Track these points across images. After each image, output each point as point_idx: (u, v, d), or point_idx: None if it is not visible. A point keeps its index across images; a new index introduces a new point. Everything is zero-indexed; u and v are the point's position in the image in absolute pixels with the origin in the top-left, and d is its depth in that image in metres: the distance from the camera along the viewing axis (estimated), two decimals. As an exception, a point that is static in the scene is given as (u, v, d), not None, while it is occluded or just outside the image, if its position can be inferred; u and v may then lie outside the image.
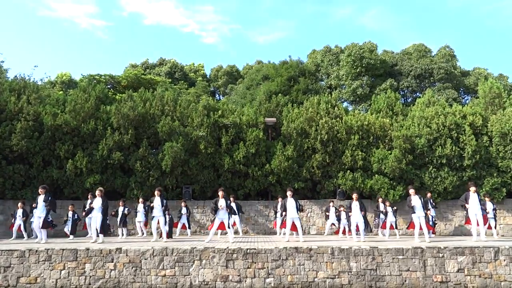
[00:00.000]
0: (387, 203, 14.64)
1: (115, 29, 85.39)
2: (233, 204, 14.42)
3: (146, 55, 78.26)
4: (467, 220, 12.88)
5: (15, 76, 20.49)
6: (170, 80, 36.29)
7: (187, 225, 15.30)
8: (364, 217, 12.92)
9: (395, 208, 14.60)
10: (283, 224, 13.17)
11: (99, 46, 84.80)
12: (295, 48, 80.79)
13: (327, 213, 15.64)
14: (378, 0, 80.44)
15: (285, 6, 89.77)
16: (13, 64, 65.23)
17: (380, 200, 15.17)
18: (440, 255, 9.82)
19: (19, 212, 14.01)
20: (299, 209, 12.50)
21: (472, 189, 12.57)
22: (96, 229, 11.66)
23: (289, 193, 12.49)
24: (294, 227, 12.37)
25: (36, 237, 12.62)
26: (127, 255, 9.82)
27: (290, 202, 12.27)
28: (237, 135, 17.50)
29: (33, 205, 12.89)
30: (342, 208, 14.82)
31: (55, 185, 16.58)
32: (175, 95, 19.72)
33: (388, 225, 14.48)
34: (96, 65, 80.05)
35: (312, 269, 9.75)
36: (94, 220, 11.78)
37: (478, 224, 12.33)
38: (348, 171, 16.64)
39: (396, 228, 14.43)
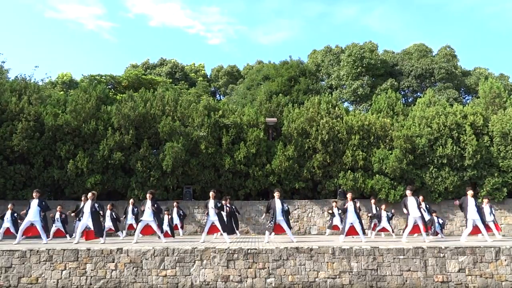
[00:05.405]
0: (383, 206, 14.50)
1: (121, 30, 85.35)
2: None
3: (151, 56, 78.24)
4: (472, 230, 12.31)
5: (16, 77, 20.50)
6: (170, 80, 36.27)
7: (179, 226, 15.37)
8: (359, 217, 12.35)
9: (393, 212, 14.36)
10: (275, 229, 11.96)
11: (104, 47, 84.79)
12: (299, 48, 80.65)
13: (329, 212, 15.40)
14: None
15: (291, 6, 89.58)
16: (17, 65, 65.37)
17: (373, 201, 15.10)
18: (441, 255, 9.81)
19: (8, 214, 13.76)
20: (286, 211, 11.94)
21: (470, 193, 12.22)
22: (97, 231, 11.62)
23: (276, 194, 11.95)
24: (280, 229, 11.97)
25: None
26: (128, 255, 9.83)
27: (277, 204, 11.71)
28: (238, 135, 17.51)
29: (25, 210, 12.60)
30: (335, 204, 14.64)
31: (56, 185, 16.61)
32: (175, 95, 19.72)
33: (378, 227, 14.30)
34: (100, 66, 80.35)
35: (313, 269, 9.75)
36: (84, 223, 11.63)
37: (479, 231, 12.15)
38: (349, 171, 16.64)
39: (392, 231, 14.29)
